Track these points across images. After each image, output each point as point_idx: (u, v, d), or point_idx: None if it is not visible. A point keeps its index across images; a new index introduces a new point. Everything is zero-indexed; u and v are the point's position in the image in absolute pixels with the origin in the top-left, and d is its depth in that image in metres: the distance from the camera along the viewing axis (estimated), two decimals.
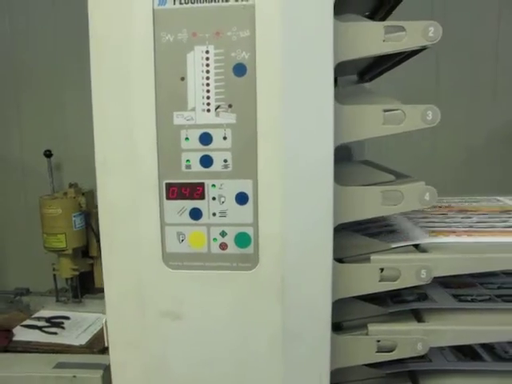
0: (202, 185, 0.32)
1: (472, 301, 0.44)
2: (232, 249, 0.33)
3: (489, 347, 0.46)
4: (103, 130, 0.34)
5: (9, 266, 1.60)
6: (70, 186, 1.32)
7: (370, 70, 0.57)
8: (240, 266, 0.33)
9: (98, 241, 1.33)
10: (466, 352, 0.45)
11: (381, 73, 0.58)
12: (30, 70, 1.50)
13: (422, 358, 0.43)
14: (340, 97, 0.34)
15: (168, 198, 0.33)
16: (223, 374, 0.34)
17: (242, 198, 0.32)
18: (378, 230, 0.47)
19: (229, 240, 0.33)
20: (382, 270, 0.37)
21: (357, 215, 0.36)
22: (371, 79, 0.63)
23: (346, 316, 0.41)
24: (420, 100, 0.35)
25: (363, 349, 0.38)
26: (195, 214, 0.33)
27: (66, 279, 1.32)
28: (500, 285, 0.49)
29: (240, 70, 0.31)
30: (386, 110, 0.35)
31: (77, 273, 1.31)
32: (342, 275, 0.36)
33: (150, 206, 0.33)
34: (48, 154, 1.38)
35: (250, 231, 0.32)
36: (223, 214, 0.33)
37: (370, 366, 0.41)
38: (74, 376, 0.81)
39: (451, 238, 0.43)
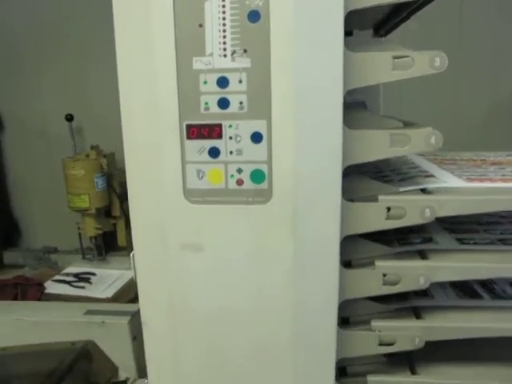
0: (219, 125, 0.35)
1: (474, 244, 0.46)
2: (248, 184, 0.36)
3: (489, 288, 0.48)
4: (127, 77, 0.36)
5: (36, 226, 1.67)
6: (92, 148, 1.36)
7: (385, 23, 0.58)
8: (255, 200, 0.36)
9: (121, 201, 1.39)
10: (467, 292, 0.48)
11: (396, 25, 0.59)
12: (50, 35, 1.52)
13: (425, 295, 0.46)
14: (351, 45, 0.36)
15: (188, 137, 0.36)
16: (239, 301, 0.38)
17: (256, 137, 0.35)
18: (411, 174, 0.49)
19: (245, 176, 0.36)
20: (388, 209, 0.40)
21: (365, 157, 0.38)
22: (386, 33, 0.64)
23: (355, 254, 0.44)
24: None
25: (370, 282, 0.41)
26: (213, 152, 0.36)
27: (91, 238, 1.38)
28: (503, 231, 0.51)
29: (254, 16, 0.33)
30: (395, 57, 0.37)
31: (100, 231, 1.37)
32: (351, 213, 0.39)
33: (171, 146, 0.36)
34: (69, 118, 1.42)
35: (264, 168, 0.35)
36: (239, 152, 0.35)
37: (377, 301, 0.44)
38: (103, 322, 0.87)
39: (484, 184, 0.45)
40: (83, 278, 1.29)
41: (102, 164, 1.34)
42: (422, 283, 0.41)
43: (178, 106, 0.35)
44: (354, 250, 0.43)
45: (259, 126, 0.35)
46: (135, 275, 0.42)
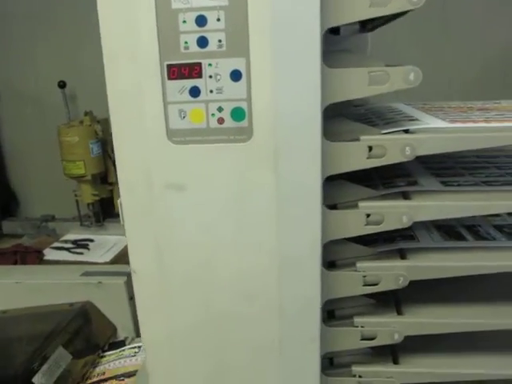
0: (199, 64, 0.35)
1: (458, 185, 0.47)
2: (228, 123, 0.36)
3: (473, 231, 0.50)
4: (107, 20, 0.37)
5: (34, 194, 1.68)
6: (86, 114, 1.36)
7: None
8: (236, 138, 0.37)
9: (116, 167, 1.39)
10: (452, 234, 0.49)
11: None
12: (43, 1, 1.50)
13: (412, 239, 0.47)
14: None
15: (169, 78, 0.36)
16: (222, 238, 0.39)
17: (236, 75, 0.35)
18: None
19: (225, 115, 0.36)
20: (370, 148, 0.41)
21: (345, 95, 0.38)
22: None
23: (340, 198, 0.45)
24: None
25: (354, 222, 0.42)
26: (194, 91, 0.36)
27: (88, 204, 1.39)
28: (488, 174, 0.52)
29: None
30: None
31: (97, 198, 1.38)
32: (333, 153, 0.40)
33: (153, 86, 0.36)
34: (62, 85, 1.42)
35: (244, 106, 0.36)
36: (219, 90, 0.36)
37: (363, 244, 0.45)
38: (100, 282, 0.88)
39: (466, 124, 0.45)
40: (81, 245, 1.31)
41: (97, 130, 1.34)
42: (405, 222, 0.42)
43: (158, 46, 0.36)
44: (339, 193, 0.44)
45: (238, 63, 0.35)
46: (123, 220, 0.43)
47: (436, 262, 0.44)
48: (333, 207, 0.43)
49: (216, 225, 0.39)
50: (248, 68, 0.35)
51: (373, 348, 0.48)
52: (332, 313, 0.48)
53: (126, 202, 0.40)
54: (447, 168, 0.54)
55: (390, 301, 0.49)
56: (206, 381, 0.45)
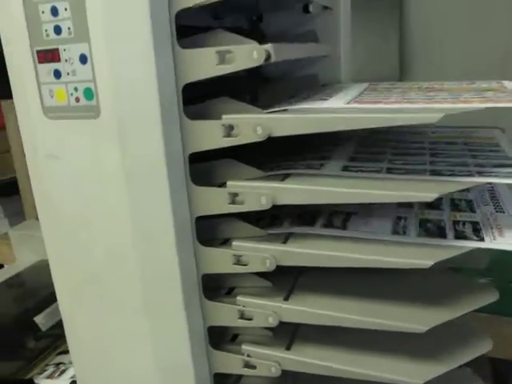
0: (57, 50, 0.41)
1: (359, 171, 0.45)
2: (83, 101, 0.41)
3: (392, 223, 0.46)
4: None
5: None
6: None
7: None
8: (90, 115, 0.41)
9: None
10: None
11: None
12: None
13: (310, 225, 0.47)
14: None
15: (39, 62, 0.42)
16: (87, 205, 0.44)
17: (83, 59, 0.40)
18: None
19: (80, 94, 0.41)
20: (230, 127, 0.42)
21: (195, 75, 0.40)
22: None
23: (228, 177, 0.46)
24: None
25: (219, 200, 0.44)
26: (57, 74, 0.41)
27: None
28: (406, 162, 0.47)
29: None
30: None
31: None
32: (193, 132, 0.42)
33: (29, 70, 0.42)
34: None
35: (92, 86, 0.40)
36: (74, 73, 0.41)
37: (251, 223, 0.46)
38: None
39: (370, 105, 0.44)
40: None
41: None
42: (263, 203, 0.42)
43: (28, 34, 0.41)
44: (226, 172, 0.46)
45: (83, 48, 0.39)
46: None
47: (307, 249, 0.43)
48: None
49: (82, 193, 0.44)
50: (90, 52, 0.39)
51: (274, 333, 0.49)
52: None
53: (28, 168, 0.47)
54: (377, 153, 0.51)
55: (286, 286, 0.49)
56: None
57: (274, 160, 0.51)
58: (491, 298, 0.44)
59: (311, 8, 0.62)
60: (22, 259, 1.04)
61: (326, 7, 0.64)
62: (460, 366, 0.45)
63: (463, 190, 0.43)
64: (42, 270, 0.94)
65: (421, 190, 0.37)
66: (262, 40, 0.40)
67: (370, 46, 1.30)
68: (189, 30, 0.43)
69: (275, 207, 0.43)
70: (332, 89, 0.57)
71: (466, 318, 0.43)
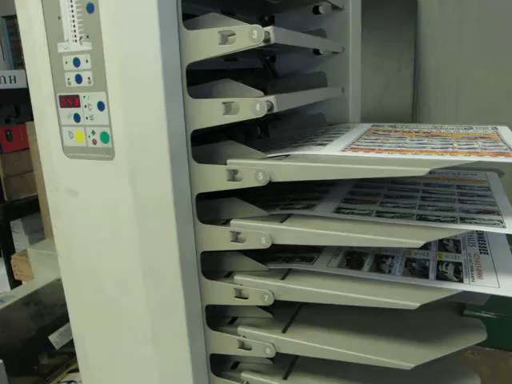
0: (77, 96, 0.45)
1: (350, 213, 0.47)
2: (100, 144, 0.45)
3: (379, 262, 0.48)
4: (27, 60, 0.48)
5: None
6: None
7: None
8: (106, 157, 0.45)
9: None
10: (353, 263, 0.49)
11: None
12: None
13: (309, 261, 0.49)
14: (192, 23, 0.43)
15: (61, 106, 0.46)
16: (102, 239, 0.47)
17: (101, 106, 0.44)
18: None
19: (97, 137, 0.45)
20: (235, 172, 0.45)
21: (203, 123, 0.44)
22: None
23: (232, 215, 0.49)
24: None
25: (221, 238, 0.47)
26: (76, 117, 0.45)
27: None
28: (396, 204, 0.49)
29: (91, 8, 0.42)
30: (220, 32, 0.42)
31: None
32: (198, 175, 0.45)
33: (52, 113, 0.46)
34: None
35: (108, 131, 0.44)
36: (92, 117, 0.44)
37: (255, 259, 0.49)
38: None
39: (362, 154, 0.47)
40: None
41: None
42: (263, 243, 0.45)
43: (52, 81, 0.45)
44: (231, 210, 0.49)
45: (101, 96, 0.43)
46: None
47: (302, 285, 0.46)
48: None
49: (98, 227, 0.47)
50: (107, 100, 0.43)
51: (274, 362, 0.51)
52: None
53: (49, 204, 0.51)
54: (371, 194, 0.54)
55: (286, 318, 0.51)
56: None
57: (277, 195, 0.54)
58: (479, 337, 0.46)
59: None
60: (40, 277, 1.08)
61: (334, 52, 0.67)
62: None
63: None
64: (58, 288, 0.98)
65: (407, 236, 0.39)
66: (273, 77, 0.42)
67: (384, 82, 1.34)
68: (199, 76, 0.47)
69: None
70: (335, 129, 0.60)
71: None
